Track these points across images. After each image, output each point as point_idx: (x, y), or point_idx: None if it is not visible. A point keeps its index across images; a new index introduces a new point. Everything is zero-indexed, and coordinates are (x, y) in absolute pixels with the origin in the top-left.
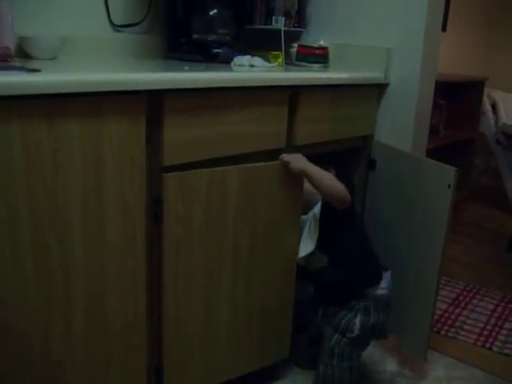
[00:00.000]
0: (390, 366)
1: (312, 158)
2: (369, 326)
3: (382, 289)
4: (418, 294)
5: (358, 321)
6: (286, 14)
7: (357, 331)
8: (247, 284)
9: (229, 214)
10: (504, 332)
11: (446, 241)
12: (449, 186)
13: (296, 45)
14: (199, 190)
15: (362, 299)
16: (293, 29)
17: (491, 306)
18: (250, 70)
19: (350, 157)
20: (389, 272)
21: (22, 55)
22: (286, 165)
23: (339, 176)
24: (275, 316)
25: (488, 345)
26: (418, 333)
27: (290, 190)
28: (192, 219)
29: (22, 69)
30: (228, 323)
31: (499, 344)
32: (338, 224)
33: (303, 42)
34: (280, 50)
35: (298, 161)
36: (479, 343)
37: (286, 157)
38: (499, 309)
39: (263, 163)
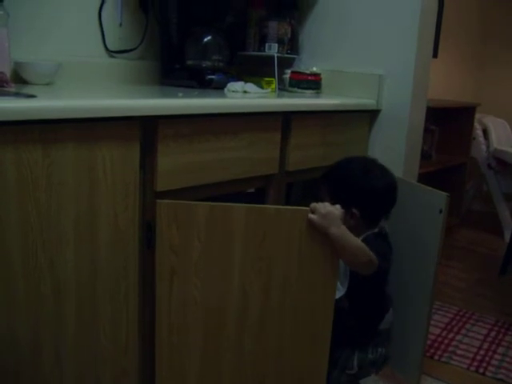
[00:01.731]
0: None
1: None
2: (367, 362)
3: (382, 325)
4: (411, 318)
5: (355, 358)
6: (280, 41)
7: (356, 368)
8: (258, 343)
9: (234, 256)
10: (497, 357)
11: (438, 265)
12: (440, 211)
13: (289, 71)
14: (197, 224)
15: (362, 337)
16: (286, 55)
17: (484, 331)
18: (243, 96)
19: None
20: (391, 310)
21: (18, 80)
22: (310, 220)
23: (365, 218)
24: None
25: (481, 370)
26: (412, 358)
27: (322, 244)
28: (189, 252)
29: (17, 94)
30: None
31: (493, 369)
32: (365, 277)
33: (296, 69)
34: (273, 76)
35: (327, 219)
36: (473, 368)
37: (312, 211)
38: (492, 333)
39: (277, 206)
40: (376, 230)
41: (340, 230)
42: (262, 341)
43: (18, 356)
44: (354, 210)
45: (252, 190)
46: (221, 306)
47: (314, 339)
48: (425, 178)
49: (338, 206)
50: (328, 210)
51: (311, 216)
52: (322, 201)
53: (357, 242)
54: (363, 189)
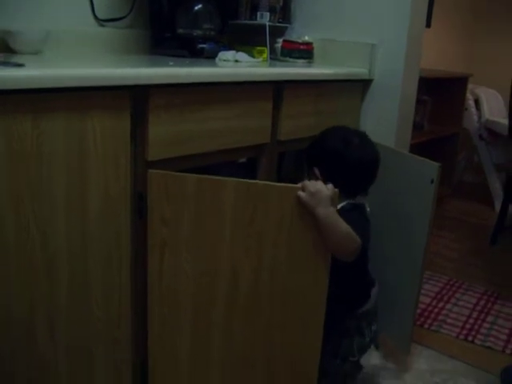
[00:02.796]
0: (374, 359)
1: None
2: (366, 344)
3: (370, 303)
4: (402, 288)
5: (354, 344)
6: (271, 10)
7: (357, 354)
8: (248, 324)
9: (224, 232)
10: (486, 325)
11: (429, 236)
12: (432, 181)
13: (281, 40)
14: (186, 196)
15: (352, 319)
16: (278, 24)
17: (474, 300)
18: (234, 65)
19: None
20: (376, 286)
21: (5, 50)
22: (299, 198)
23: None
24: (289, 373)
25: (470, 338)
26: (402, 326)
27: (313, 224)
28: (179, 224)
29: (5, 63)
30: (221, 358)
31: (481, 337)
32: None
33: (288, 38)
34: (265, 45)
35: (315, 198)
36: (462, 336)
37: (303, 189)
38: (481, 302)
39: (267, 182)
40: (352, 200)
41: (327, 211)
42: (251, 322)
43: (11, 324)
44: (316, 170)
45: (244, 160)
46: (211, 282)
47: (306, 322)
48: (417, 149)
49: (329, 186)
50: (317, 189)
51: (300, 193)
52: (302, 169)
53: (345, 226)
54: (327, 149)
